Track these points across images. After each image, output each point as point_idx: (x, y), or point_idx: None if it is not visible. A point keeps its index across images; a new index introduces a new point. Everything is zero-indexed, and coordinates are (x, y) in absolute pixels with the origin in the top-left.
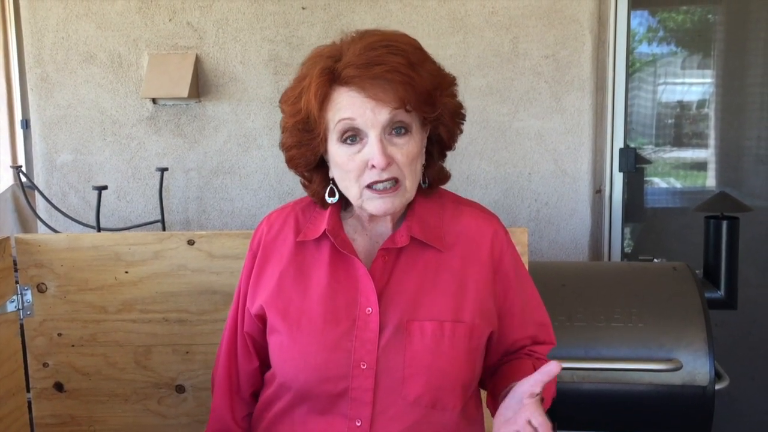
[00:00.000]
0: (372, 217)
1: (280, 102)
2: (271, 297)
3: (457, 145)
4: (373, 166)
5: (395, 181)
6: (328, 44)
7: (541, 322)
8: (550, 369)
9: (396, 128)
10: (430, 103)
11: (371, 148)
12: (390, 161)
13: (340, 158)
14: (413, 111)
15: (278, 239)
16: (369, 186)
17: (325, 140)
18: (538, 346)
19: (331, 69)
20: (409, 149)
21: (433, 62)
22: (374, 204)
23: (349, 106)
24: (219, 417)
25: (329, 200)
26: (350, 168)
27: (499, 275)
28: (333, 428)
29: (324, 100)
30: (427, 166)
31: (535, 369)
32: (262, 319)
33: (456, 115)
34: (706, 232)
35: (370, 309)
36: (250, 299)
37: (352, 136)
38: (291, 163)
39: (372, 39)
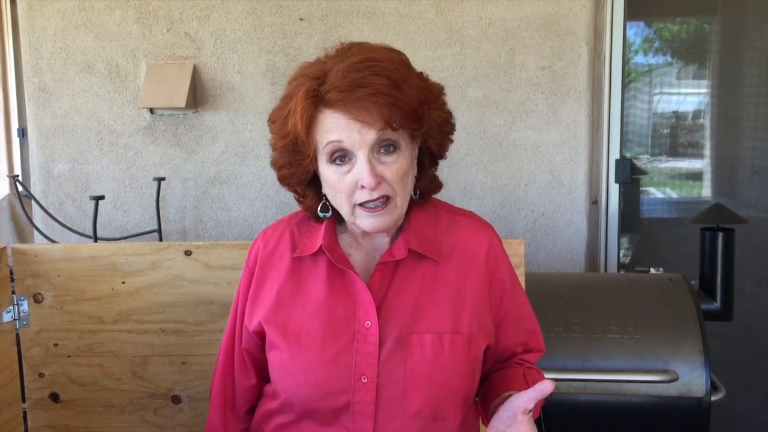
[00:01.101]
0: (366, 232)
1: (268, 121)
2: (269, 313)
3: (454, 155)
4: (363, 186)
5: (386, 198)
6: (312, 61)
7: (531, 329)
8: (545, 388)
9: (384, 146)
10: (416, 119)
11: (360, 169)
12: (380, 180)
13: (331, 178)
14: (400, 129)
15: (275, 255)
16: (360, 204)
17: (315, 160)
18: (528, 354)
19: (316, 91)
20: (398, 166)
21: (418, 76)
22: (367, 222)
23: (336, 128)
24: None
25: (322, 215)
26: (341, 188)
27: (494, 285)
28: None
29: (311, 123)
30: (419, 177)
31: (525, 378)
32: (260, 335)
33: (444, 126)
34: (701, 244)
35: (369, 323)
36: (248, 316)
37: (341, 156)
38: (283, 181)
39: (355, 58)
